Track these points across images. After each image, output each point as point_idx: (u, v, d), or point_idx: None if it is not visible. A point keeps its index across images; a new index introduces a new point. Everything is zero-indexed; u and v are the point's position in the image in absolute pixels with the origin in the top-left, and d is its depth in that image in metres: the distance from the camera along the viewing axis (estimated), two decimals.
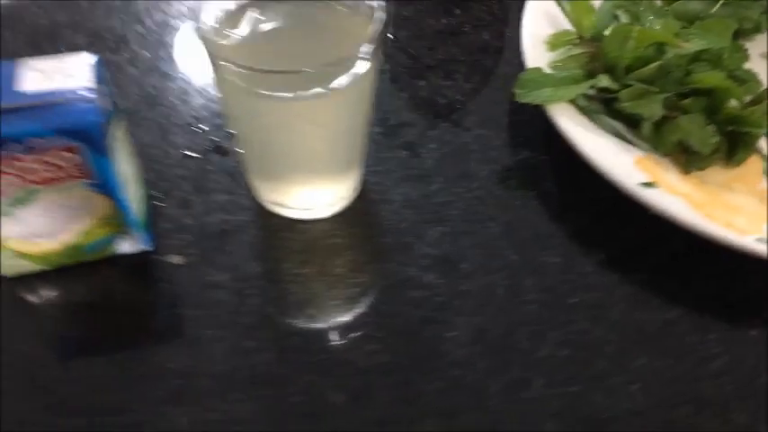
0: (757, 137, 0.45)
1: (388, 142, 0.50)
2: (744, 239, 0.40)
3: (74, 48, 0.54)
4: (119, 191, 0.40)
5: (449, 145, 0.50)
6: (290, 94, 0.37)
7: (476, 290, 0.43)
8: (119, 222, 0.42)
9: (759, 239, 0.40)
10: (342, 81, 0.37)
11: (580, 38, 0.48)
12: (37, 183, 0.39)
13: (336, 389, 0.39)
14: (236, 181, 0.47)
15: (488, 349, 0.40)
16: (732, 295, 0.43)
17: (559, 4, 0.51)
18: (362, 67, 0.37)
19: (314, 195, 0.45)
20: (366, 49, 0.37)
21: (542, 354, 0.40)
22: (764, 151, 0.47)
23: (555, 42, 0.48)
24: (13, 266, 0.42)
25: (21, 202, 0.40)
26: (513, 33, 0.51)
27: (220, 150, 0.49)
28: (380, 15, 0.37)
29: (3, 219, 0.40)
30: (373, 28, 0.37)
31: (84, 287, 0.43)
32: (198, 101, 0.53)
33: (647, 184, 0.43)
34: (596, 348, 0.40)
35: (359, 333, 0.41)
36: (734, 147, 0.45)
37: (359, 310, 0.42)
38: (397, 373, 0.39)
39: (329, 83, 0.37)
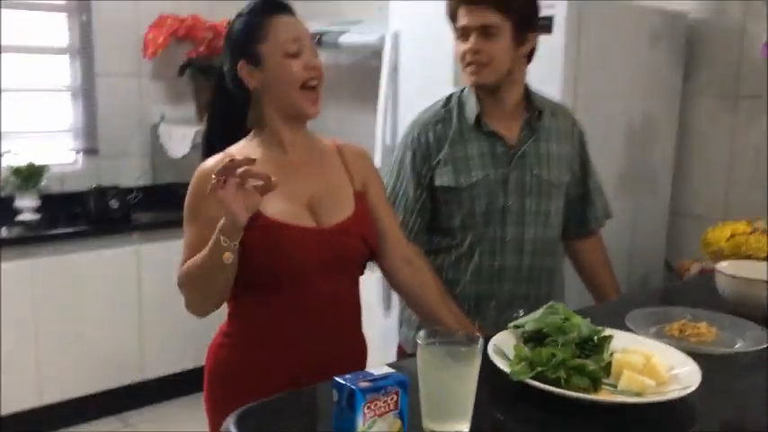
0: (601, 378, 1.18)
1: None
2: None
3: None
4: (407, 417, 0.98)
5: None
6: (455, 362, 1.03)
7: None
8: None
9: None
10: (475, 358, 1.04)
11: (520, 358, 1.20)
12: (377, 415, 0.96)
13: None
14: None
15: None
16: None
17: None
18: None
19: (463, 419, 1.05)
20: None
21: None
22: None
23: (517, 355, 1.20)
24: None
25: (369, 427, 0.96)
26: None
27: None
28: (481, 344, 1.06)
29: None
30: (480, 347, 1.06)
31: None
32: None
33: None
34: None
35: None
36: (596, 384, 1.17)
37: None
38: None
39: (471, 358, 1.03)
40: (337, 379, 0.96)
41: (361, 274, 1.73)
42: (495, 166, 1.89)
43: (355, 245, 1.64)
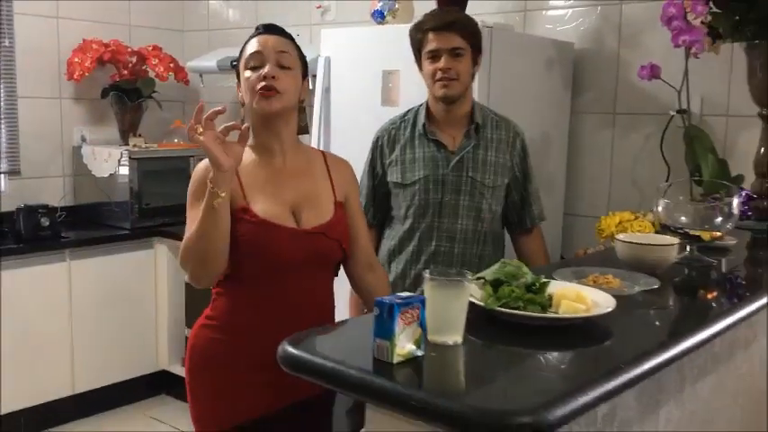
0: (547, 307, 1.65)
1: None
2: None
3: None
4: (426, 326, 1.41)
5: None
6: (452, 289, 1.47)
7: None
8: (420, 343, 1.40)
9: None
10: (465, 286, 1.48)
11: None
12: (406, 324, 1.38)
13: None
14: None
15: None
16: None
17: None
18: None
19: (458, 332, 1.49)
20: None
21: None
22: None
23: (486, 293, 1.65)
24: (398, 357, 1.36)
25: (400, 333, 1.37)
26: None
27: None
28: None
29: (399, 338, 1.36)
30: None
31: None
32: None
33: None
34: None
35: None
36: (544, 310, 1.64)
37: None
38: None
39: (462, 286, 1.48)
40: (378, 299, 1.37)
41: (336, 275, 2.09)
42: (435, 168, 2.38)
43: (331, 248, 1.97)
